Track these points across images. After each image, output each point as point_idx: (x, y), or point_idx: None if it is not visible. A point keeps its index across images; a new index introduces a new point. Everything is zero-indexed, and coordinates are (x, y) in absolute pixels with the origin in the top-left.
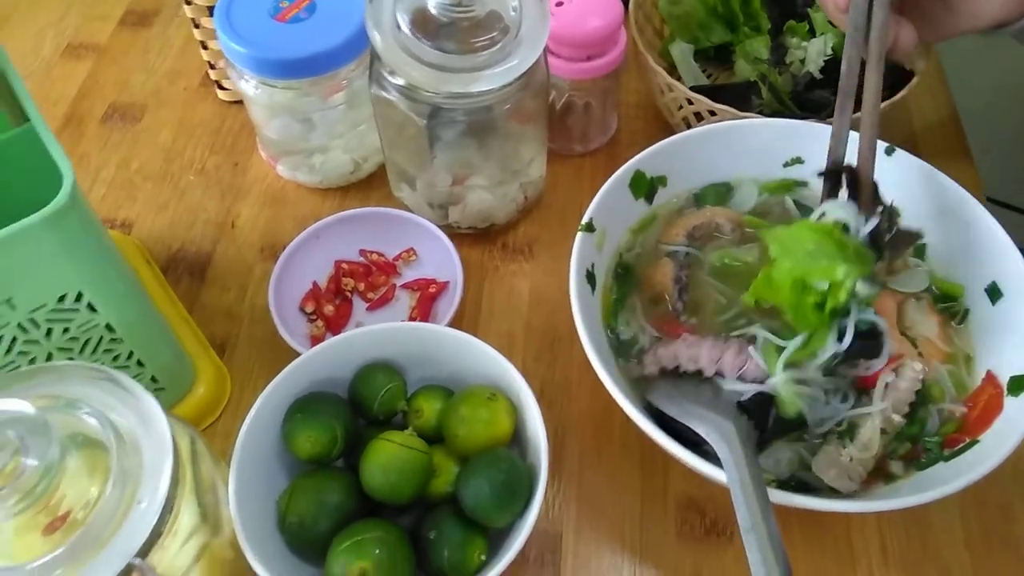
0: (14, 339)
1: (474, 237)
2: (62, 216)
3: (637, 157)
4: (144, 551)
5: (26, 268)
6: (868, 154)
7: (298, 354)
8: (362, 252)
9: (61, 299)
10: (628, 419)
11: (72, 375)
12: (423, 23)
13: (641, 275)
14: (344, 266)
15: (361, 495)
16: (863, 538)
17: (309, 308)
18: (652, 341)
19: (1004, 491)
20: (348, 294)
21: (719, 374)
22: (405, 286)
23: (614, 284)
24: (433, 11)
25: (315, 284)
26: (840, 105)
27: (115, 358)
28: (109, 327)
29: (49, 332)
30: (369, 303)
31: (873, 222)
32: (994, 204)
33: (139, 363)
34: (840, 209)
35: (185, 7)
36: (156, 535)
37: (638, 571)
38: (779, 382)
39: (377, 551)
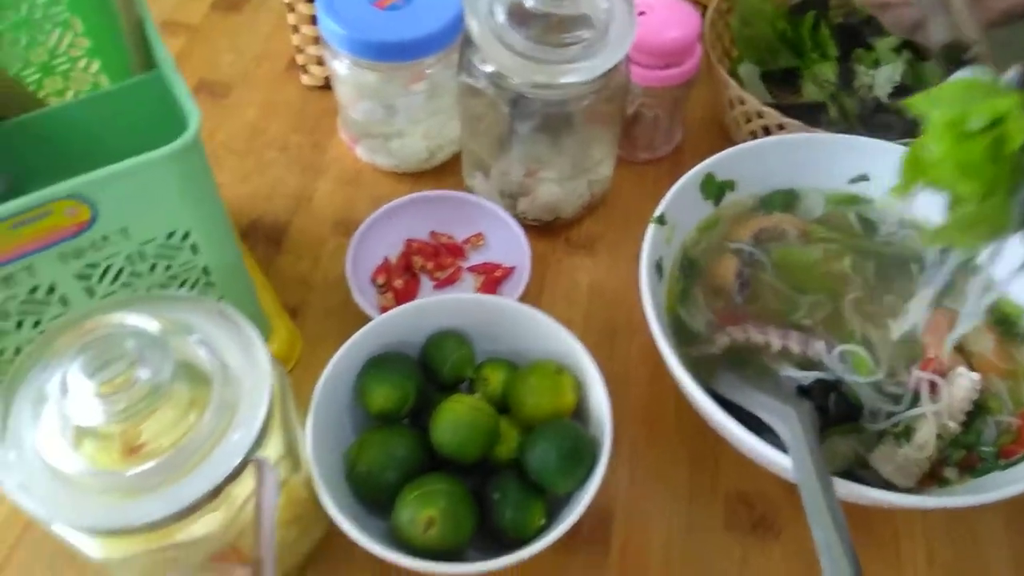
0: (121, 269)
1: (539, 229)
2: (186, 154)
3: (709, 160)
4: (235, 476)
5: (146, 200)
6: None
7: (369, 320)
8: (432, 234)
9: (170, 236)
10: (681, 411)
11: (186, 305)
12: (517, 14)
13: (705, 269)
14: (414, 245)
15: (426, 452)
16: (911, 544)
17: (380, 280)
18: (714, 330)
19: None
20: (416, 272)
21: (785, 351)
22: (471, 269)
23: (680, 275)
24: (529, 3)
25: (386, 259)
26: None
27: None
28: (206, 270)
29: (153, 267)
30: (436, 282)
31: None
32: None
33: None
34: (973, 71)
35: None
36: (247, 462)
37: (685, 555)
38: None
39: (444, 502)
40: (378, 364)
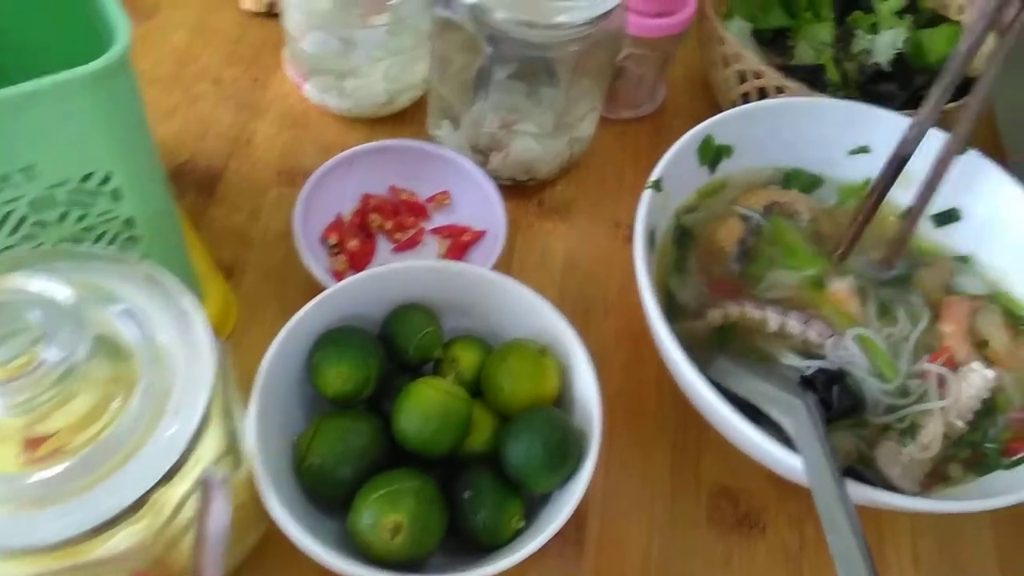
0: (23, 218)
1: (510, 189)
2: (110, 76)
3: (709, 121)
4: (169, 477)
5: (58, 133)
6: (954, 149)
7: (318, 286)
8: (392, 189)
9: (86, 178)
10: (662, 399)
11: (105, 266)
12: None
13: (700, 237)
14: (372, 201)
15: (389, 443)
16: (895, 546)
17: (332, 240)
18: (707, 304)
19: None
20: (373, 232)
21: (783, 332)
22: (435, 231)
23: (673, 246)
24: None
25: (339, 216)
26: (939, 94)
27: None
28: (129, 222)
29: (64, 216)
30: (396, 244)
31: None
32: None
33: None
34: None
35: None
36: (183, 460)
37: (666, 554)
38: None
39: (413, 505)
40: (335, 340)
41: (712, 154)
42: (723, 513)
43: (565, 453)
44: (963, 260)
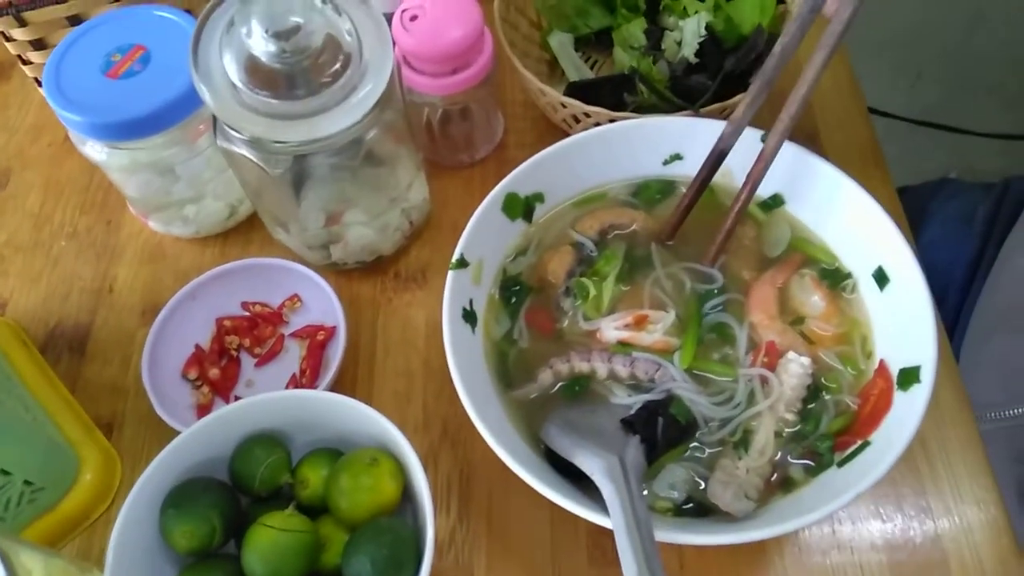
0: None
1: (363, 271)
2: None
3: (505, 180)
4: None
5: None
6: (776, 147)
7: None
8: (244, 305)
9: None
10: None
11: None
12: (257, 71)
13: (531, 279)
14: (227, 323)
15: None
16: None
17: (192, 375)
18: (537, 366)
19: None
20: (234, 353)
21: (613, 377)
22: (294, 335)
23: (500, 303)
24: (264, 60)
25: (198, 347)
26: (755, 92)
27: None
28: None
29: None
30: (258, 358)
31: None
32: (928, 127)
33: (4, 472)
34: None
35: (23, 67)
36: None
37: None
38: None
39: None
40: (176, 501)
41: (522, 208)
42: (603, 551)
43: (398, 564)
44: (773, 201)
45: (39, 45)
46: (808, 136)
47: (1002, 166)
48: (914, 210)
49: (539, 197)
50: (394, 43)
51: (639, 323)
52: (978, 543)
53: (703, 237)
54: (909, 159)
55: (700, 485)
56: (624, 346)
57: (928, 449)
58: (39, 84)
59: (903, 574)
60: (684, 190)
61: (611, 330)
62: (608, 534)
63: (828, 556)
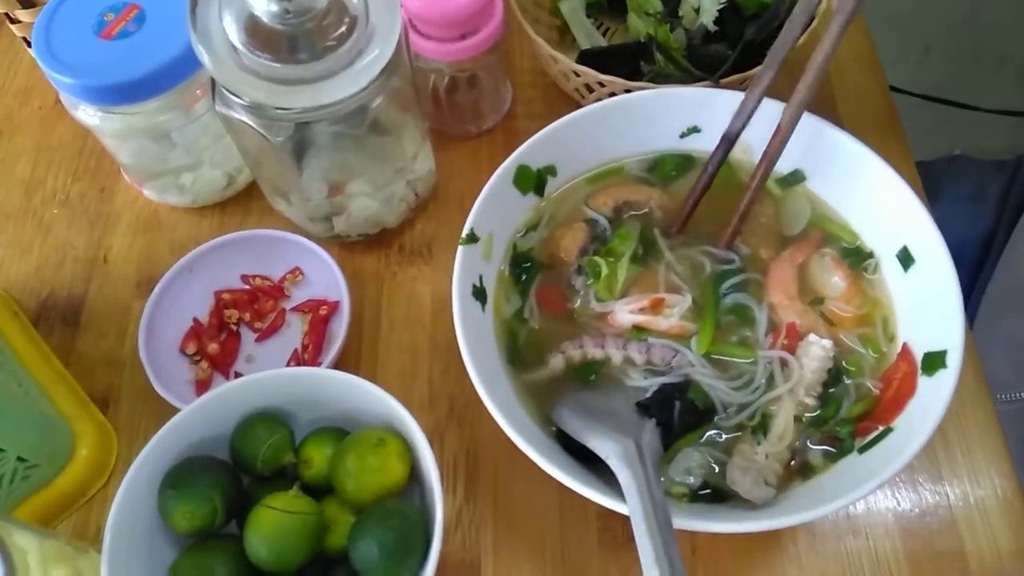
0: None
1: (367, 244)
2: None
3: (518, 151)
4: None
5: None
6: (793, 120)
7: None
8: (244, 278)
9: None
10: None
11: None
12: (259, 33)
13: (543, 253)
14: (225, 296)
15: (250, 565)
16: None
17: (191, 349)
18: (549, 348)
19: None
20: (233, 327)
21: (628, 361)
22: (296, 309)
23: (511, 279)
24: (266, 21)
25: (196, 321)
26: (767, 66)
27: None
28: None
29: None
30: (258, 333)
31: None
32: (937, 102)
33: None
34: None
35: (11, 26)
36: None
37: None
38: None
39: None
40: (175, 480)
41: (533, 181)
42: (613, 534)
43: (406, 548)
44: (793, 177)
45: (28, 3)
46: (826, 111)
47: (1010, 143)
48: (924, 188)
49: (551, 170)
50: (401, 5)
51: (655, 307)
52: (996, 530)
53: (720, 218)
54: (917, 135)
55: (716, 470)
56: (639, 331)
57: (946, 433)
58: (28, 44)
59: (918, 561)
60: (701, 165)
61: (625, 314)
62: (619, 517)
63: (843, 542)
